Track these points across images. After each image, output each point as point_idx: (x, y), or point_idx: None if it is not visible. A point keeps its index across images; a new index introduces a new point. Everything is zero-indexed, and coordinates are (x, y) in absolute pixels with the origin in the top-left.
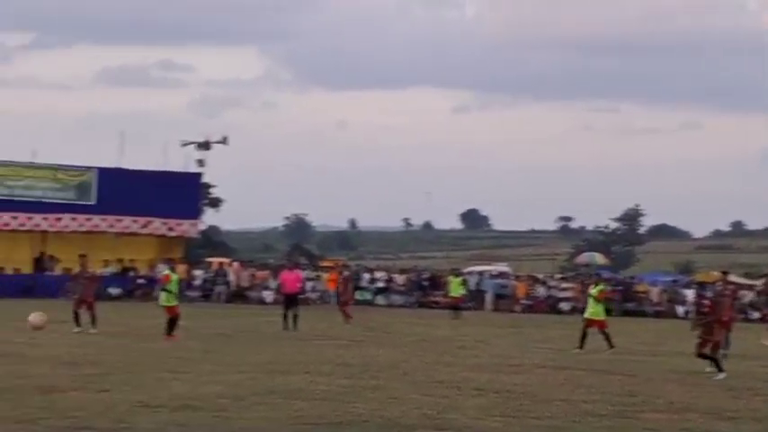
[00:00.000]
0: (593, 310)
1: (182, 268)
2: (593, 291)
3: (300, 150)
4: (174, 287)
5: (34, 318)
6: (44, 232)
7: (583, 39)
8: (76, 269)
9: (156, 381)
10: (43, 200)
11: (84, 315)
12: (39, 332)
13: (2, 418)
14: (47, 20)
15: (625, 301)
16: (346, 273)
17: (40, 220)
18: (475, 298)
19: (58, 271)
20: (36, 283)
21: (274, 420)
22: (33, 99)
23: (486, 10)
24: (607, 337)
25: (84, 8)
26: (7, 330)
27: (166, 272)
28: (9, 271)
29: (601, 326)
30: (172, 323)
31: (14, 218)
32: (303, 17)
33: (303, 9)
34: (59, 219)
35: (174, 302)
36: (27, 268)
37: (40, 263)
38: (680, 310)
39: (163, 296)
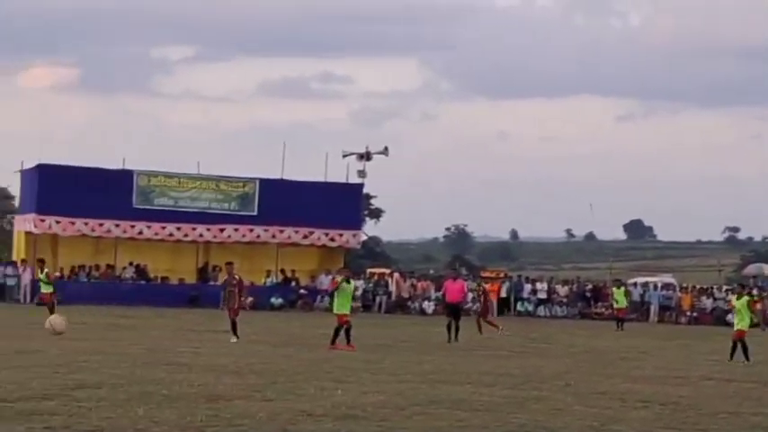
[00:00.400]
0: (741, 321)
1: (340, 279)
2: (739, 301)
3: (461, 161)
4: (345, 295)
5: (56, 322)
6: (207, 243)
7: (749, 46)
8: (224, 277)
9: (319, 390)
10: (207, 211)
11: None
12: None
13: (170, 425)
14: (209, 33)
15: None
16: (485, 284)
17: (203, 231)
18: (639, 309)
19: (221, 281)
20: (200, 293)
21: (436, 430)
22: (196, 111)
23: (650, 17)
24: (734, 348)
25: (244, 21)
26: (173, 340)
27: (337, 278)
28: (174, 281)
29: (740, 335)
30: (346, 332)
31: (179, 228)
32: (463, 27)
33: (463, 19)
34: (222, 229)
35: (342, 310)
36: (191, 278)
37: (203, 273)
38: None
39: (335, 303)
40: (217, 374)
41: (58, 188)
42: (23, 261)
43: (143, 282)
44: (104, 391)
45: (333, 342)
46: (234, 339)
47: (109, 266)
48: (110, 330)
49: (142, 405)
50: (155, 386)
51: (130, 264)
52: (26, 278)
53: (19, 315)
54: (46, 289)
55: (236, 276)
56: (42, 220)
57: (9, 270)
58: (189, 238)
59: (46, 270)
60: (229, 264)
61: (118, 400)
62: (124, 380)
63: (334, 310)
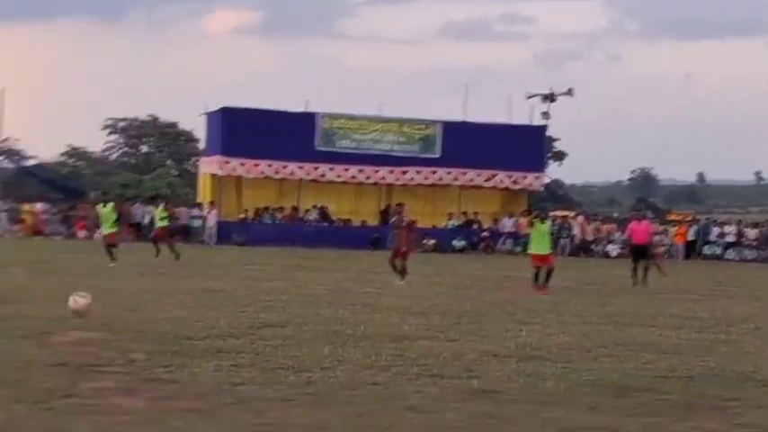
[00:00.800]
0: None
1: (523, 221)
2: None
3: (646, 103)
4: (540, 234)
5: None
6: (390, 185)
7: None
8: (394, 218)
9: (504, 331)
10: (389, 153)
11: (401, 265)
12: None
13: (354, 364)
14: None
15: None
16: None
17: (386, 173)
18: None
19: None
20: (382, 236)
21: (622, 372)
22: (379, 53)
23: None
24: None
25: None
26: (356, 281)
27: (521, 220)
28: (356, 223)
29: None
30: (535, 276)
31: (361, 171)
32: None
33: None
34: (405, 172)
35: (536, 251)
36: (373, 221)
37: (385, 215)
38: None
39: (530, 243)
40: (401, 315)
41: (242, 131)
42: (211, 203)
43: (326, 224)
44: (289, 330)
45: (539, 282)
46: (399, 282)
47: (294, 208)
48: (294, 271)
49: (327, 344)
50: (339, 326)
51: (314, 206)
52: (211, 220)
53: (204, 256)
54: (161, 224)
55: (405, 218)
56: (227, 162)
57: (195, 212)
58: (371, 181)
59: (162, 204)
60: (399, 205)
61: (303, 339)
62: (309, 319)
63: (528, 250)
